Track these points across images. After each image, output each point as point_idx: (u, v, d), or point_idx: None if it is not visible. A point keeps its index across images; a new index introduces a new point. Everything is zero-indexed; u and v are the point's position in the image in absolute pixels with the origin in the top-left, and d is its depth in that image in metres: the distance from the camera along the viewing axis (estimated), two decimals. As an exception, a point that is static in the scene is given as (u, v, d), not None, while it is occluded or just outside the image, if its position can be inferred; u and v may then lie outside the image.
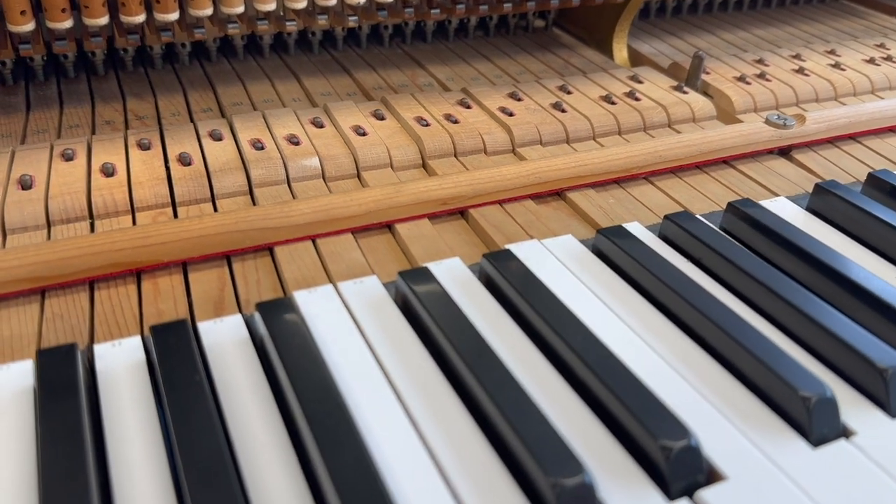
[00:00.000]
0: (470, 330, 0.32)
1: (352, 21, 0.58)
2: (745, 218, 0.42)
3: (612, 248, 0.39)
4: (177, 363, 0.30)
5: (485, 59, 0.67)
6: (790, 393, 0.30)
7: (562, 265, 0.39)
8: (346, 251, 0.40)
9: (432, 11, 0.62)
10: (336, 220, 0.41)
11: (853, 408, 0.31)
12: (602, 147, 0.52)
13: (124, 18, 0.49)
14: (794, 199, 0.47)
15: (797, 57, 0.67)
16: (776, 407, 0.30)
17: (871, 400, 0.31)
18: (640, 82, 0.61)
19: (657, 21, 0.79)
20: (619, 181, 0.48)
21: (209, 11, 0.51)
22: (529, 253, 0.39)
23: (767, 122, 0.52)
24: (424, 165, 0.49)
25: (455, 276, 0.38)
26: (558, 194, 0.47)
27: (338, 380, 0.30)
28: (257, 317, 0.33)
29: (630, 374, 0.30)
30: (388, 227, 0.43)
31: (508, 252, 0.38)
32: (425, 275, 0.36)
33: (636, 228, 0.42)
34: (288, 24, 0.57)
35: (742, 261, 0.38)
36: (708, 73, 0.62)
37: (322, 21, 0.57)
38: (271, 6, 0.52)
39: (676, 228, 0.41)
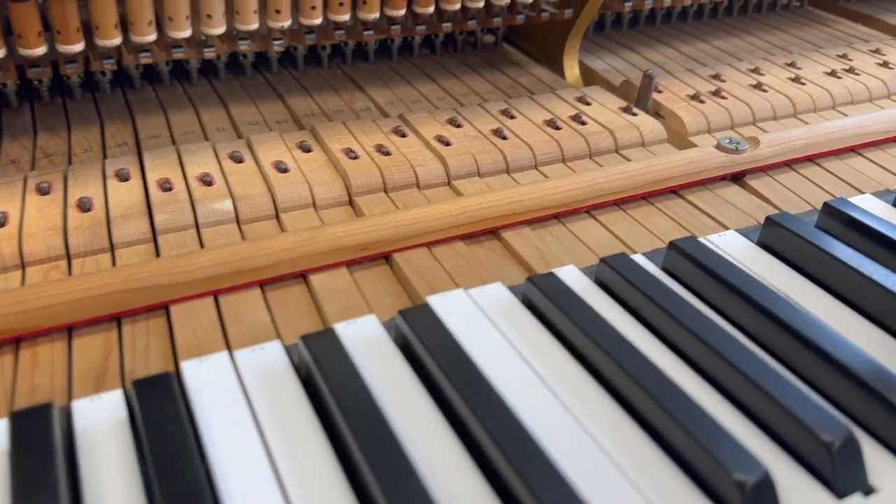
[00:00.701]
0: (372, 409, 0.29)
1: (277, 45, 0.55)
2: (688, 258, 0.39)
3: (541, 298, 0.36)
4: (35, 457, 0.27)
5: (429, 80, 0.64)
6: (723, 474, 0.27)
7: (486, 319, 0.35)
8: (250, 309, 0.37)
9: (365, 33, 0.59)
10: (241, 273, 0.37)
11: (795, 488, 0.28)
12: (544, 178, 0.49)
13: (24, 51, 0.46)
14: (746, 233, 0.44)
15: (756, 71, 0.64)
16: (708, 490, 0.27)
17: (816, 477, 0.28)
18: (588, 104, 0.57)
19: (612, 34, 0.76)
20: (558, 216, 0.45)
21: (118, 41, 0.47)
22: (451, 306, 0.36)
23: (719, 146, 0.49)
24: (351, 203, 0.46)
25: (367, 338, 0.34)
26: (493, 233, 0.44)
27: (217, 475, 0.27)
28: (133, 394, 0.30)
29: (541, 457, 0.27)
30: (303, 276, 0.39)
31: (426, 308, 0.35)
32: (331, 339, 0.33)
33: (570, 274, 0.39)
34: (206, 50, 0.53)
35: (679, 312, 0.35)
36: (660, 92, 0.59)
37: (244, 46, 0.53)
38: (188, 33, 0.49)
39: (612, 273, 0.38)
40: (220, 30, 0.50)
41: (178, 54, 0.51)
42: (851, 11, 0.88)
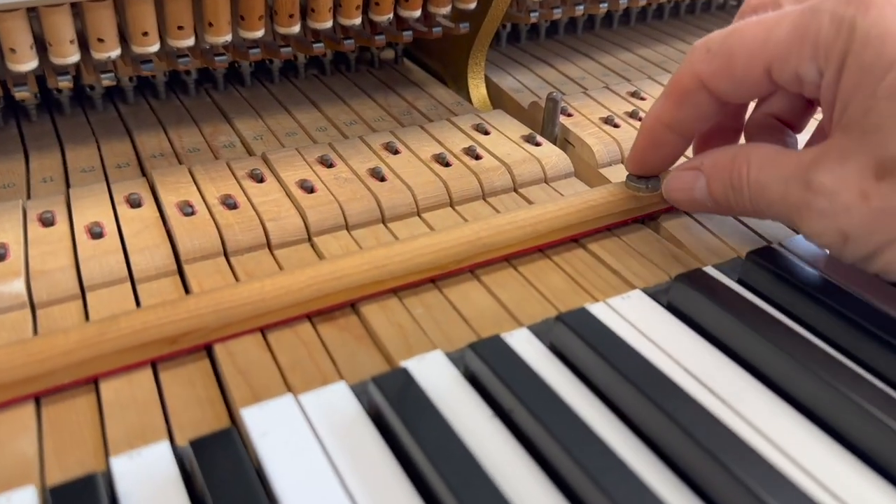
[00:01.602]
0: None
1: (145, 69, 0.46)
2: (579, 334, 0.32)
3: (387, 406, 0.28)
4: None
5: (311, 107, 0.56)
6: None
7: (314, 441, 0.28)
8: (12, 437, 0.28)
9: (251, 52, 0.50)
10: (7, 387, 0.29)
11: None
12: (427, 230, 0.42)
13: None
14: (655, 293, 0.36)
15: (679, 86, 0.57)
16: None
17: None
18: (487, 133, 0.50)
19: (528, 45, 0.68)
20: (434, 280, 0.37)
21: None
22: (271, 424, 0.28)
23: (626, 185, 0.42)
24: (181, 273, 0.38)
25: (154, 476, 0.26)
26: (352, 305, 0.36)
27: None
28: None
29: None
30: (95, 382, 0.31)
31: (228, 435, 0.27)
32: (90, 489, 0.25)
33: (434, 365, 0.31)
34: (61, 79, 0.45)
35: (551, 418, 0.27)
36: (570, 116, 0.52)
37: (108, 78, 0.44)
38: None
39: (481, 365, 0.30)
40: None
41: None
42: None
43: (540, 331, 0.34)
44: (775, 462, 0.26)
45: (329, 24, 0.49)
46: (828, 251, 0.38)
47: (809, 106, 0.40)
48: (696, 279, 0.35)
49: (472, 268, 0.38)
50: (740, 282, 0.37)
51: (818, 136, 0.39)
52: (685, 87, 0.36)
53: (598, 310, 0.34)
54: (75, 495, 0.24)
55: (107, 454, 0.28)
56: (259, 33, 0.47)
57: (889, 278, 0.32)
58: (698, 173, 0.37)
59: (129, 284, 0.36)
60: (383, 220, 0.42)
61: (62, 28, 0.41)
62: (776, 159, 0.33)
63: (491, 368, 0.30)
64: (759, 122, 0.40)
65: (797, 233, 0.40)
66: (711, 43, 0.35)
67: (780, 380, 0.31)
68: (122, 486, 0.26)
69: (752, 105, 0.42)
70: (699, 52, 0.35)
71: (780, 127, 0.40)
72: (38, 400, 0.30)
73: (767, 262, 0.37)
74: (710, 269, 0.37)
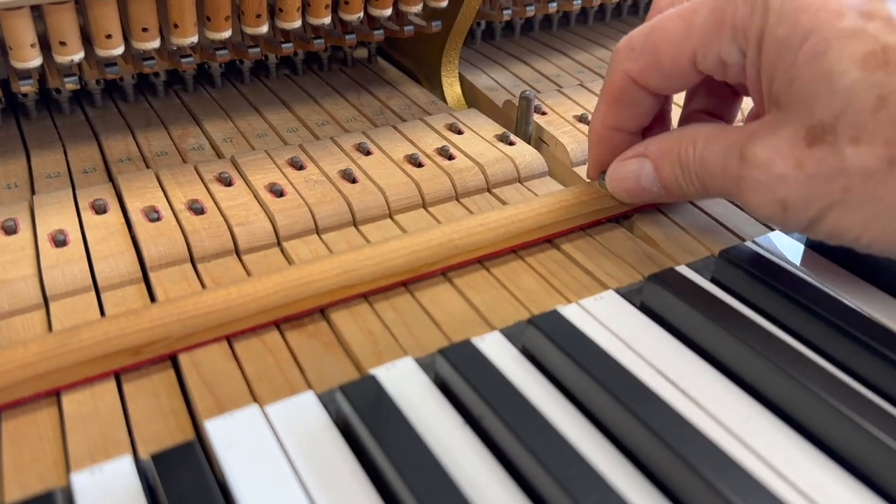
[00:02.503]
0: None
1: (109, 72, 0.45)
2: (550, 338, 0.31)
3: (355, 417, 0.28)
4: None
5: (282, 107, 0.55)
6: None
7: (280, 452, 0.27)
8: (-32, 453, 0.28)
9: (218, 53, 0.50)
10: (-38, 402, 0.28)
11: None
12: (399, 232, 0.41)
13: None
14: (628, 293, 0.36)
15: (654, 83, 0.57)
16: None
17: None
18: (460, 132, 0.49)
19: (504, 43, 0.68)
20: (406, 283, 0.37)
21: None
22: (236, 435, 0.27)
23: (599, 184, 0.41)
24: (146, 280, 0.37)
25: (116, 491, 0.26)
26: (321, 311, 0.35)
27: None
28: None
29: None
30: (57, 395, 0.30)
31: (190, 448, 0.26)
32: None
33: (404, 372, 0.31)
34: (23, 83, 0.44)
35: (522, 427, 0.27)
36: (545, 114, 0.52)
37: (72, 81, 0.44)
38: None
39: (451, 371, 0.30)
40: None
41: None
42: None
43: (512, 334, 0.33)
44: (746, 464, 0.26)
45: (298, 23, 0.48)
46: (775, 226, 0.38)
47: (736, 97, 0.40)
48: (668, 279, 0.35)
49: (445, 270, 0.38)
50: (713, 280, 0.37)
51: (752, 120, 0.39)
52: (618, 88, 0.36)
53: (571, 312, 0.34)
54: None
55: (68, 469, 0.27)
56: (226, 34, 0.46)
57: (835, 243, 0.31)
58: (643, 159, 0.37)
59: (93, 293, 0.36)
60: (354, 223, 0.42)
61: (22, 31, 0.40)
62: (719, 135, 0.34)
63: (461, 374, 0.29)
64: (690, 119, 0.40)
65: (743, 210, 0.41)
66: (635, 41, 0.35)
67: (752, 380, 0.30)
68: (82, 502, 0.25)
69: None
70: (624, 52, 0.35)
71: (712, 121, 0.40)
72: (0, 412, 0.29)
73: (740, 259, 0.36)
74: (682, 269, 0.37)
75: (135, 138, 0.50)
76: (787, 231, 0.33)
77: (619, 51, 0.36)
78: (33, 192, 0.44)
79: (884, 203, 0.29)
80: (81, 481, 0.26)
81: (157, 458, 0.26)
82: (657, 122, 0.40)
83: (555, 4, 0.62)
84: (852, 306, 0.34)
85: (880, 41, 0.28)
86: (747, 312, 0.34)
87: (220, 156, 0.48)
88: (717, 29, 0.32)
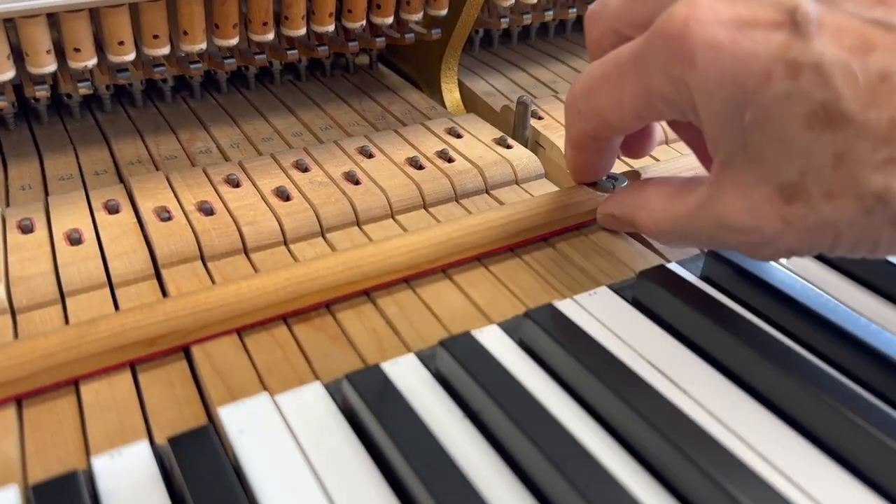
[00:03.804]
0: None
1: (121, 78, 0.47)
2: (546, 330, 0.33)
3: (359, 402, 0.29)
4: None
5: (287, 112, 0.56)
6: None
7: (290, 438, 0.28)
8: (-7, 437, 0.29)
9: (226, 62, 0.51)
10: (-13, 390, 0.30)
11: None
12: (401, 231, 0.43)
13: None
14: (621, 289, 0.37)
15: (647, 88, 0.59)
16: None
17: None
18: (459, 136, 0.51)
19: (501, 50, 0.70)
20: (407, 280, 0.38)
21: None
22: (248, 422, 0.29)
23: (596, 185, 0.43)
24: (159, 277, 0.38)
25: (135, 474, 0.27)
26: (327, 306, 0.37)
27: None
28: None
29: None
30: (75, 384, 0.32)
31: (205, 432, 0.28)
32: (72, 486, 0.26)
33: (406, 362, 0.32)
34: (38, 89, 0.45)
35: (518, 413, 0.28)
36: (541, 119, 0.53)
37: (85, 87, 0.45)
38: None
39: (451, 361, 0.31)
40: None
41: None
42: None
43: (509, 327, 0.35)
44: (731, 447, 0.27)
45: (302, 31, 0.50)
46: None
47: None
48: (659, 275, 0.37)
49: (445, 267, 0.39)
50: (703, 277, 0.38)
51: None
52: (579, 142, 0.37)
53: (566, 306, 0.35)
54: (57, 492, 0.25)
55: (88, 454, 0.29)
56: (234, 41, 0.48)
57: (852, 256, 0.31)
58: (620, 221, 0.39)
59: (107, 289, 0.37)
60: (358, 223, 0.43)
61: (39, 38, 0.42)
62: (674, 202, 0.34)
63: (461, 364, 0.31)
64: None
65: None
66: (579, 103, 0.35)
67: (739, 371, 0.32)
68: (104, 484, 0.26)
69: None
70: (573, 113, 0.35)
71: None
72: (19, 402, 0.31)
73: (728, 257, 0.38)
74: (673, 266, 0.38)
75: (144, 142, 0.51)
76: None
77: (568, 108, 0.36)
78: (47, 194, 0.45)
79: (880, 237, 0.28)
80: (101, 464, 0.27)
81: (174, 442, 0.27)
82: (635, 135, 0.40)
83: (551, 13, 0.64)
84: (835, 301, 0.35)
85: (816, 99, 0.26)
86: (735, 307, 0.35)
87: (227, 159, 0.50)
88: (648, 104, 0.31)
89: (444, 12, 0.53)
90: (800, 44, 0.26)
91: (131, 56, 0.45)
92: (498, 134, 0.51)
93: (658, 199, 0.35)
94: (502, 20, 0.61)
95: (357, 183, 0.45)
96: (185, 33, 0.46)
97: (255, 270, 0.39)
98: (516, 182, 0.48)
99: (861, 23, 0.26)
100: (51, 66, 0.43)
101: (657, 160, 0.50)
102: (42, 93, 0.45)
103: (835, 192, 0.27)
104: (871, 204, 0.26)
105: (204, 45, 0.47)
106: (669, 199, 0.34)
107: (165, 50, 0.46)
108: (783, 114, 0.27)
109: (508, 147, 0.50)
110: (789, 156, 0.27)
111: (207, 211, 0.41)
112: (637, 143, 0.40)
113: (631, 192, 0.38)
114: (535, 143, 0.52)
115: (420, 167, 0.47)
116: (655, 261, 0.40)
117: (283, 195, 0.43)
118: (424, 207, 0.45)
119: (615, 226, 0.41)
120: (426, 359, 0.33)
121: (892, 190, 0.26)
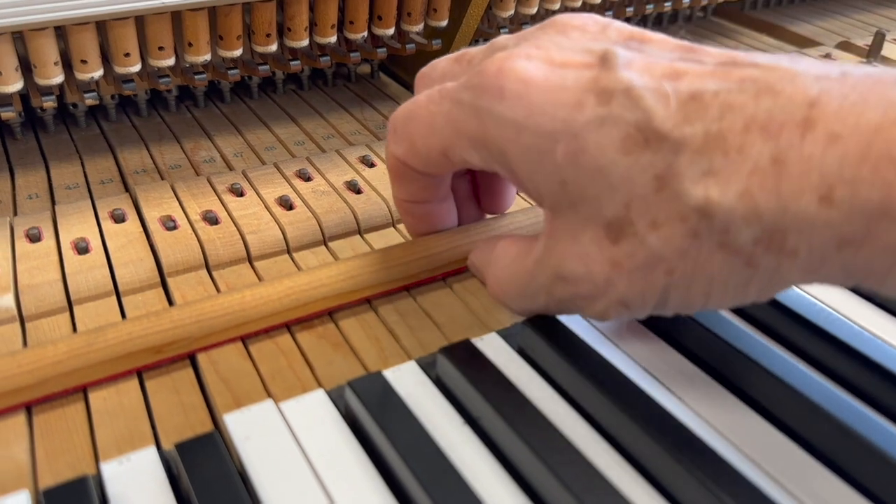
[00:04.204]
0: None
1: (127, 88, 0.48)
2: (544, 337, 0.34)
3: (361, 409, 0.30)
4: None
5: (289, 121, 0.57)
6: None
7: (294, 444, 0.29)
8: (5, 444, 0.30)
9: (230, 73, 0.52)
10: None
11: None
12: (400, 240, 0.43)
13: None
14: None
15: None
16: None
17: None
18: (459, 145, 0.52)
19: (501, 58, 0.70)
20: (408, 288, 0.39)
21: None
22: (253, 428, 0.30)
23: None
24: (164, 286, 0.39)
25: (143, 479, 0.28)
26: (329, 314, 0.38)
27: None
28: None
29: None
30: (84, 391, 0.32)
31: (211, 438, 0.29)
32: (82, 490, 0.26)
33: (407, 369, 0.33)
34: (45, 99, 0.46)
35: (519, 424, 0.29)
36: (540, 127, 0.54)
37: (91, 97, 0.46)
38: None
39: (451, 368, 0.32)
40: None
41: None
42: (757, 21, 0.85)
43: (509, 335, 0.35)
44: (731, 459, 0.28)
45: (305, 42, 0.50)
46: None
47: None
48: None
49: (445, 276, 0.40)
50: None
51: None
52: (393, 167, 0.35)
53: (565, 315, 0.36)
54: (68, 497, 0.26)
55: (97, 459, 0.29)
56: (237, 52, 0.49)
57: (694, 312, 0.30)
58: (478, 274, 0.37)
59: (114, 297, 0.38)
60: (359, 232, 0.44)
61: (47, 50, 0.42)
62: (512, 264, 0.32)
63: (461, 371, 0.32)
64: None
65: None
66: (397, 123, 0.34)
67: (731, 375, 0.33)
68: (113, 489, 0.27)
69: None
70: (389, 134, 0.34)
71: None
72: (29, 409, 0.31)
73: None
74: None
75: (149, 151, 0.52)
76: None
77: (388, 127, 0.34)
78: (53, 203, 0.46)
79: (711, 269, 0.26)
80: (110, 470, 0.28)
81: (181, 447, 0.28)
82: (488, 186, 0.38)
83: (550, 22, 0.64)
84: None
85: (629, 121, 0.26)
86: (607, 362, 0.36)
87: (230, 168, 0.50)
88: (454, 136, 0.30)
89: (444, 23, 0.54)
90: (610, 74, 0.26)
91: (137, 67, 0.46)
92: (497, 143, 0.52)
93: (505, 256, 0.33)
94: (501, 31, 0.61)
95: (359, 192, 0.46)
96: (190, 45, 0.46)
97: (259, 279, 0.40)
98: (515, 191, 0.48)
99: (670, 61, 0.27)
100: (58, 78, 0.44)
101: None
102: (50, 103, 0.46)
103: (660, 218, 0.26)
104: (695, 223, 0.25)
105: (208, 57, 0.47)
106: (514, 257, 0.32)
107: (170, 61, 0.46)
108: (598, 142, 0.26)
109: (508, 156, 0.50)
110: (610, 188, 0.27)
111: (212, 220, 0.42)
112: (489, 195, 0.39)
113: (488, 246, 0.35)
114: (534, 152, 0.52)
115: (421, 176, 0.48)
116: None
117: (287, 204, 0.44)
118: (425, 216, 0.46)
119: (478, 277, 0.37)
120: (427, 366, 0.33)
121: (712, 201, 0.25)
